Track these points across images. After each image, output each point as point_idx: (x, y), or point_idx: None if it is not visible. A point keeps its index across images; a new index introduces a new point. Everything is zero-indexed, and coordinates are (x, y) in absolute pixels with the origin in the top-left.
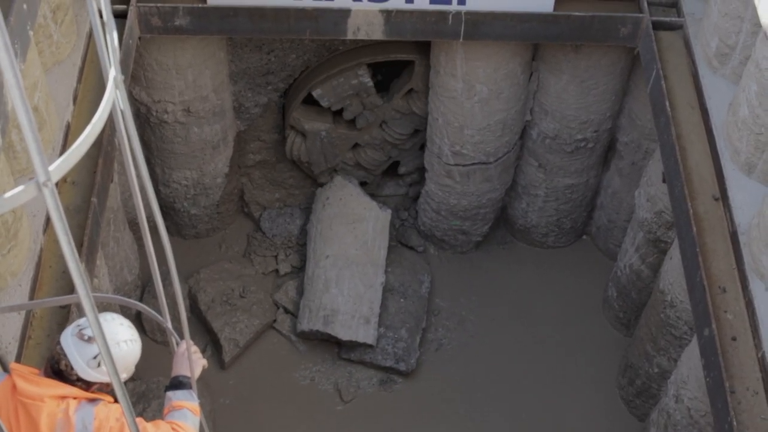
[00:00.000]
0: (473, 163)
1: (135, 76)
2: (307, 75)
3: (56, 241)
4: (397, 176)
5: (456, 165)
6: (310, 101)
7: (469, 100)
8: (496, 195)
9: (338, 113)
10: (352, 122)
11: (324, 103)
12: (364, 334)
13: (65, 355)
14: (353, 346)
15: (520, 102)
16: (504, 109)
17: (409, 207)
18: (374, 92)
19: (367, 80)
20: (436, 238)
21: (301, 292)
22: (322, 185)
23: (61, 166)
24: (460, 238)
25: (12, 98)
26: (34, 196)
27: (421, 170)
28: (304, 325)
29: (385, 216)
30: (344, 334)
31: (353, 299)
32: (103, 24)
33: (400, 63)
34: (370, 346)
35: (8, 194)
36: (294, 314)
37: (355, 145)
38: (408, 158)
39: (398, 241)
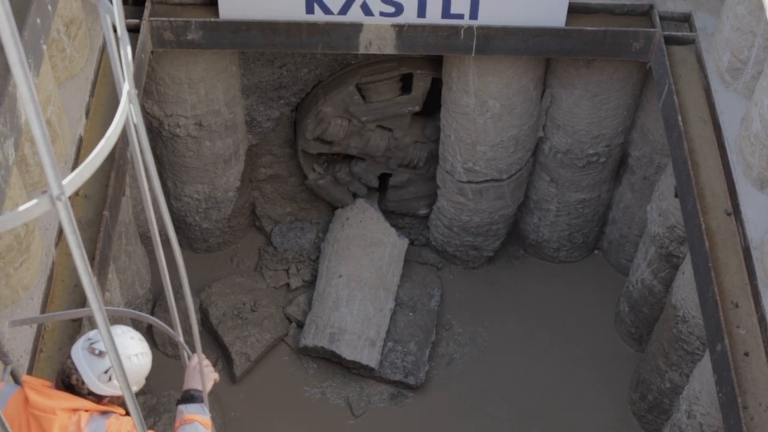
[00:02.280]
0: (486, 180)
1: (147, 90)
2: (320, 89)
3: (68, 255)
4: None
5: (468, 182)
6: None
7: (481, 116)
8: (508, 212)
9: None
10: (417, 124)
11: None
12: (369, 356)
13: (76, 370)
14: (355, 367)
15: (533, 118)
16: (517, 125)
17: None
18: None
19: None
20: (447, 254)
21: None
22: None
23: (75, 180)
24: (472, 254)
25: (26, 112)
26: (47, 210)
27: (368, 188)
28: (309, 340)
29: (402, 244)
30: (349, 354)
31: (362, 320)
32: (116, 38)
33: None
34: (372, 369)
35: (22, 208)
36: None
37: (386, 128)
38: (372, 172)
39: (416, 260)
